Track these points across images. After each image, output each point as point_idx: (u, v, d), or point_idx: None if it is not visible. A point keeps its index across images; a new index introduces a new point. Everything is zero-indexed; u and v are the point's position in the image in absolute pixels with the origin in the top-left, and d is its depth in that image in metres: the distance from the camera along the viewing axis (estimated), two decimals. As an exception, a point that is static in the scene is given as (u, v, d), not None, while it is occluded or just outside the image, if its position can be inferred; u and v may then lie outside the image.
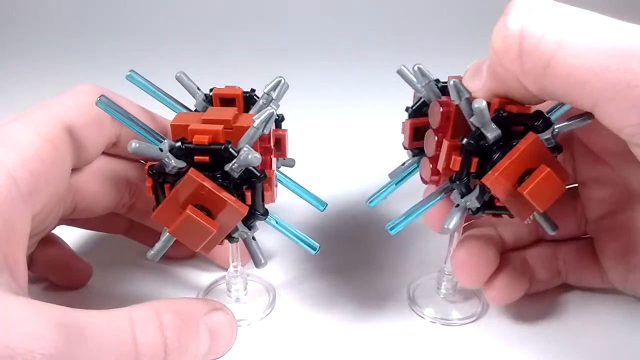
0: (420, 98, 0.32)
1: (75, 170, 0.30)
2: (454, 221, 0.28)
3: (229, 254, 0.33)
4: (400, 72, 0.31)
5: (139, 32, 0.91)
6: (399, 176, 0.33)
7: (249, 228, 0.29)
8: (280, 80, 0.31)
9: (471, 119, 0.26)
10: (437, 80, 0.31)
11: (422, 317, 0.33)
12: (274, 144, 0.31)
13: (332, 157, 0.54)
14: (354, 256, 0.39)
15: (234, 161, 0.26)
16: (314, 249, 0.31)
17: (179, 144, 0.26)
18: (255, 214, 0.28)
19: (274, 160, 0.31)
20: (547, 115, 0.27)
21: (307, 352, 0.31)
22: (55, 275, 0.35)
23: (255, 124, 0.26)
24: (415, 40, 0.88)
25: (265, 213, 0.29)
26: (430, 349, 0.31)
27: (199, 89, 0.33)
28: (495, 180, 0.26)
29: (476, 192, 0.27)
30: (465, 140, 0.26)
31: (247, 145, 0.26)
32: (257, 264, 0.30)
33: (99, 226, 0.37)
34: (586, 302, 0.34)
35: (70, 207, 0.31)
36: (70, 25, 0.93)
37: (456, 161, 0.27)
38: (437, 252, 0.36)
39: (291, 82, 0.33)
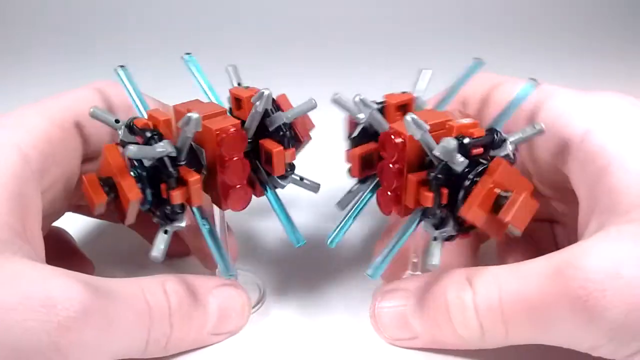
0: (357, 125, 0.30)
1: (87, 161, 0.31)
2: (437, 257, 0.27)
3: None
4: (336, 101, 0.29)
5: (141, 31, 0.91)
6: (355, 210, 0.31)
7: (168, 219, 0.28)
8: (264, 92, 0.29)
9: (435, 153, 0.25)
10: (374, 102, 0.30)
11: None
12: (264, 160, 0.30)
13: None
14: (345, 254, 0.39)
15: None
16: (298, 242, 0.29)
17: (128, 121, 0.28)
18: (165, 207, 0.28)
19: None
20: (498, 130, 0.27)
21: (297, 347, 0.31)
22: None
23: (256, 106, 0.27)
24: (415, 39, 0.88)
25: (173, 212, 0.28)
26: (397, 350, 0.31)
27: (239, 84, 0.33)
28: (474, 213, 0.25)
29: (451, 221, 0.27)
30: (432, 175, 0.26)
31: (166, 141, 0.27)
32: (152, 252, 0.28)
33: (104, 215, 0.37)
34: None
35: (77, 195, 0.32)
36: (76, 25, 0.93)
37: (428, 197, 0.26)
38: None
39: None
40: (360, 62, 0.83)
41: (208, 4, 0.96)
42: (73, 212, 0.35)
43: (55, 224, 0.34)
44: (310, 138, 0.32)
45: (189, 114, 0.25)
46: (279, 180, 0.31)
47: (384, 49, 0.87)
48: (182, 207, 0.28)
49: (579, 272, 0.23)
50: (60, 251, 0.35)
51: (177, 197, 0.27)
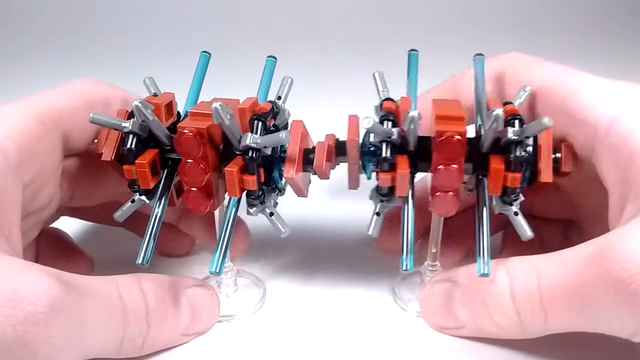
0: (383, 143, 0.28)
1: (73, 156, 0.32)
2: (528, 227, 0.28)
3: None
4: (372, 129, 0.28)
5: (142, 32, 0.91)
6: (411, 227, 0.29)
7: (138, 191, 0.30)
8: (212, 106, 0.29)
9: (512, 136, 0.27)
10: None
11: (405, 310, 0.33)
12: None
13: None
14: (346, 249, 0.39)
15: None
16: (215, 270, 0.29)
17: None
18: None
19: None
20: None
21: (298, 347, 0.31)
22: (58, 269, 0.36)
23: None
24: (417, 39, 0.87)
25: (136, 186, 0.30)
26: (415, 343, 0.31)
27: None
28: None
29: (517, 192, 0.28)
30: (516, 156, 0.27)
31: (133, 121, 0.29)
32: (115, 213, 0.31)
33: (99, 217, 0.38)
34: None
35: (68, 194, 0.32)
36: (76, 25, 0.93)
37: (516, 178, 0.27)
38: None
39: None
40: (364, 62, 0.82)
41: (211, 3, 0.96)
42: (69, 216, 0.36)
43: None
44: (290, 176, 0.29)
45: (132, 101, 0.27)
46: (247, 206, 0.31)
47: (386, 48, 0.86)
48: (135, 183, 0.29)
49: (620, 255, 0.23)
50: (59, 250, 0.35)
51: (128, 172, 0.29)
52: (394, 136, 0.28)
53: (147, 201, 0.30)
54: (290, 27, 0.92)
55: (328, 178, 0.31)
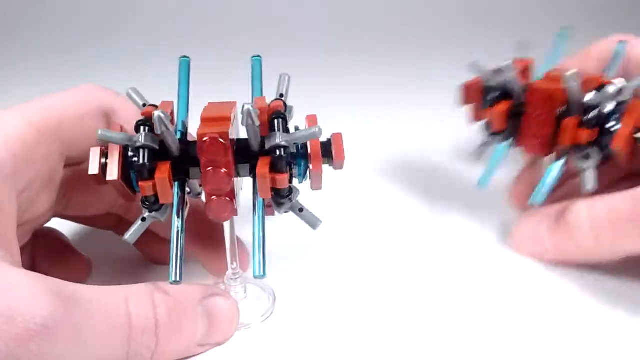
0: (489, 88, 0.37)
1: (72, 165, 0.31)
2: (592, 182, 0.33)
3: (227, 256, 0.32)
4: (474, 66, 0.36)
5: (143, 32, 0.90)
6: (498, 156, 0.37)
7: (149, 208, 0.29)
8: (243, 107, 0.28)
9: (589, 99, 0.32)
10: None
11: None
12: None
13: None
14: (353, 259, 0.39)
15: None
16: (258, 273, 0.28)
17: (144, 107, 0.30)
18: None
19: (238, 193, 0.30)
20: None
21: (309, 356, 0.30)
22: (56, 271, 0.33)
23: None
24: (420, 40, 0.88)
25: (149, 203, 0.28)
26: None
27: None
28: (625, 144, 0.32)
29: (596, 154, 0.33)
30: (589, 118, 0.32)
31: (145, 134, 0.28)
32: (125, 235, 0.29)
33: (90, 221, 0.37)
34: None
35: (63, 202, 0.32)
36: (76, 26, 0.93)
37: (586, 135, 0.32)
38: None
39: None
40: (377, 62, 0.84)
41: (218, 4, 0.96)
42: (59, 217, 0.35)
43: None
44: (321, 170, 0.30)
45: (154, 112, 0.26)
46: (274, 206, 0.30)
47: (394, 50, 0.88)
48: (156, 200, 0.28)
49: None
50: (56, 252, 0.35)
51: (145, 188, 0.28)
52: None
53: (162, 219, 0.29)
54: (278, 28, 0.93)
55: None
